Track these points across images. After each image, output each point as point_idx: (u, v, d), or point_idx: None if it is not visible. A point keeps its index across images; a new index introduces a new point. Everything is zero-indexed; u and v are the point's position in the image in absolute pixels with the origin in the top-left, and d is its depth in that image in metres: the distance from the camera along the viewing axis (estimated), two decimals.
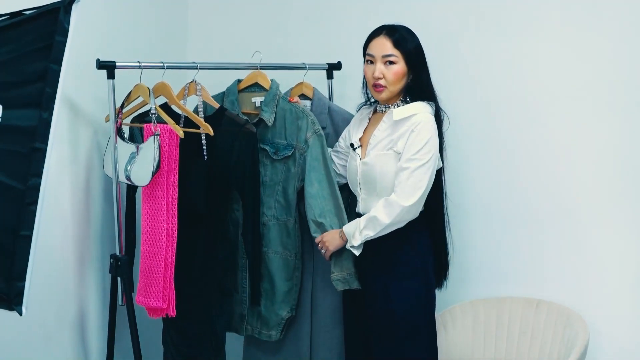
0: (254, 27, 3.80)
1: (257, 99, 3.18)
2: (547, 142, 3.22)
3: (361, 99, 3.51)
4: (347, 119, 3.23)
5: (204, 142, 3.02)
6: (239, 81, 3.22)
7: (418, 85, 2.85)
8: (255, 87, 3.20)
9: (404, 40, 2.83)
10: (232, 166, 3.02)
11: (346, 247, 2.89)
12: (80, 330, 3.11)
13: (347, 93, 3.54)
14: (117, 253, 2.99)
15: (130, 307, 2.97)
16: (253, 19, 3.81)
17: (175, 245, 2.93)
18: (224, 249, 3.11)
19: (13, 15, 2.23)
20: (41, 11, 2.18)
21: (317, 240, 3.00)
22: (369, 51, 2.88)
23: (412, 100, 2.85)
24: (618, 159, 3.10)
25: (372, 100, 3.01)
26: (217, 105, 3.10)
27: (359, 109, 3.07)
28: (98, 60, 2.89)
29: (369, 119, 3.00)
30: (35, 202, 2.13)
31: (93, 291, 3.18)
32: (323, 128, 3.19)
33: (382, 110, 2.94)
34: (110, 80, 2.91)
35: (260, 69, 3.21)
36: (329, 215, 3.03)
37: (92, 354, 3.17)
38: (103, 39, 3.16)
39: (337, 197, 3.05)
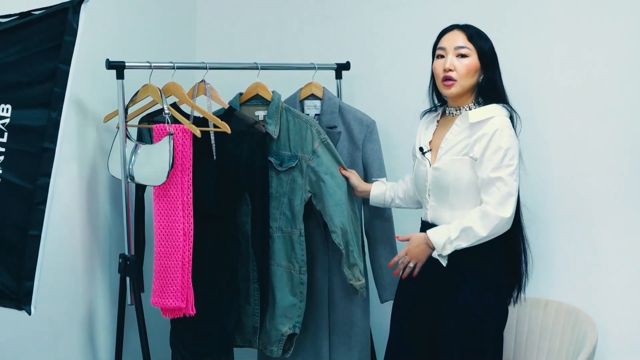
0: (263, 27, 3.80)
1: (261, 113, 3.19)
2: (555, 142, 3.21)
3: (370, 98, 3.53)
4: (358, 117, 3.22)
5: (213, 142, 3.03)
6: (240, 94, 3.22)
7: (491, 86, 2.72)
8: (257, 99, 3.19)
9: (479, 36, 2.72)
10: (241, 166, 3.02)
11: (433, 255, 2.72)
12: (89, 329, 3.12)
13: (356, 93, 3.54)
14: (126, 253, 2.99)
15: (139, 307, 2.97)
16: (261, 19, 3.81)
17: (192, 244, 2.93)
18: (234, 248, 3.11)
19: (22, 15, 2.24)
20: (50, 11, 2.19)
21: (400, 255, 2.82)
22: (440, 45, 2.74)
23: (485, 102, 2.73)
24: (626, 158, 3.09)
25: (438, 104, 2.88)
26: (226, 105, 3.11)
27: (423, 116, 2.94)
28: (107, 60, 2.89)
29: (437, 121, 2.86)
30: (44, 201, 2.14)
31: (102, 291, 3.18)
32: (334, 127, 3.20)
33: (452, 114, 2.79)
34: (120, 81, 2.91)
35: (269, 69, 3.22)
36: (348, 222, 3.08)
37: (100, 354, 3.17)
38: (112, 39, 3.17)
39: (353, 202, 3.13)
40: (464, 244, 2.65)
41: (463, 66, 2.69)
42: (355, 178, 3.13)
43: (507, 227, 2.67)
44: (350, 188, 3.14)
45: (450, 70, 2.69)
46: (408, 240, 2.82)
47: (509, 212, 2.63)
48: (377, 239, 3.26)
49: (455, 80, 2.70)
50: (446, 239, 2.67)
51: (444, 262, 2.70)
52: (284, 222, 3.15)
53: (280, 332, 3.14)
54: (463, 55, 2.69)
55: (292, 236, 3.14)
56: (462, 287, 2.71)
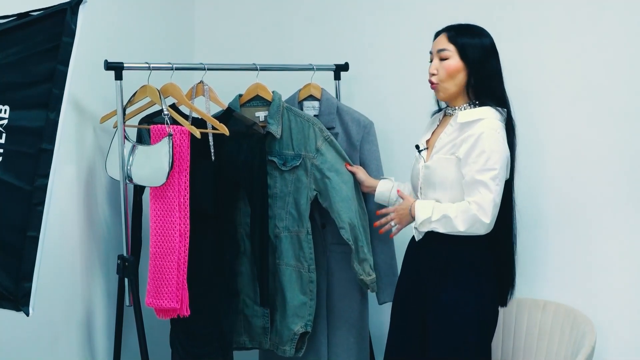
0: (261, 28, 3.81)
1: (261, 114, 3.19)
2: (553, 143, 3.21)
3: (369, 99, 3.54)
4: (356, 118, 3.22)
5: (211, 143, 3.03)
6: (240, 96, 3.21)
7: (483, 85, 2.70)
8: (257, 100, 3.19)
9: (461, 34, 2.69)
10: (240, 167, 3.02)
11: (412, 225, 2.78)
12: (87, 331, 3.12)
13: (355, 94, 3.54)
14: (124, 254, 2.99)
15: (138, 308, 2.97)
16: (260, 20, 3.81)
17: (187, 245, 2.93)
18: (232, 249, 3.11)
19: (21, 16, 2.24)
20: (48, 12, 2.19)
21: (388, 210, 2.89)
22: (431, 49, 2.76)
23: (481, 105, 2.71)
24: (625, 159, 3.09)
25: (446, 105, 2.86)
26: (224, 107, 3.11)
27: (432, 116, 2.94)
28: (106, 61, 2.89)
29: (439, 120, 2.86)
30: (42, 202, 2.14)
31: (100, 292, 3.18)
32: (332, 128, 3.20)
33: (449, 114, 2.79)
34: (118, 82, 2.91)
35: (268, 70, 3.21)
36: (356, 217, 3.08)
37: (99, 355, 3.17)
38: (110, 40, 3.17)
39: (360, 197, 3.14)
40: (440, 229, 2.68)
41: (442, 69, 2.70)
42: (362, 173, 3.14)
43: (486, 230, 2.66)
44: (357, 183, 3.14)
45: (432, 74, 2.72)
46: (402, 199, 2.87)
47: (488, 217, 2.62)
48: (374, 236, 3.24)
49: (437, 84, 2.72)
50: (426, 218, 2.70)
51: (417, 236, 2.77)
52: (290, 221, 3.15)
53: (293, 332, 3.14)
54: (445, 57, 2.70)
55: (300, 235, 3.14)
56: (444, 288, 2.73)
